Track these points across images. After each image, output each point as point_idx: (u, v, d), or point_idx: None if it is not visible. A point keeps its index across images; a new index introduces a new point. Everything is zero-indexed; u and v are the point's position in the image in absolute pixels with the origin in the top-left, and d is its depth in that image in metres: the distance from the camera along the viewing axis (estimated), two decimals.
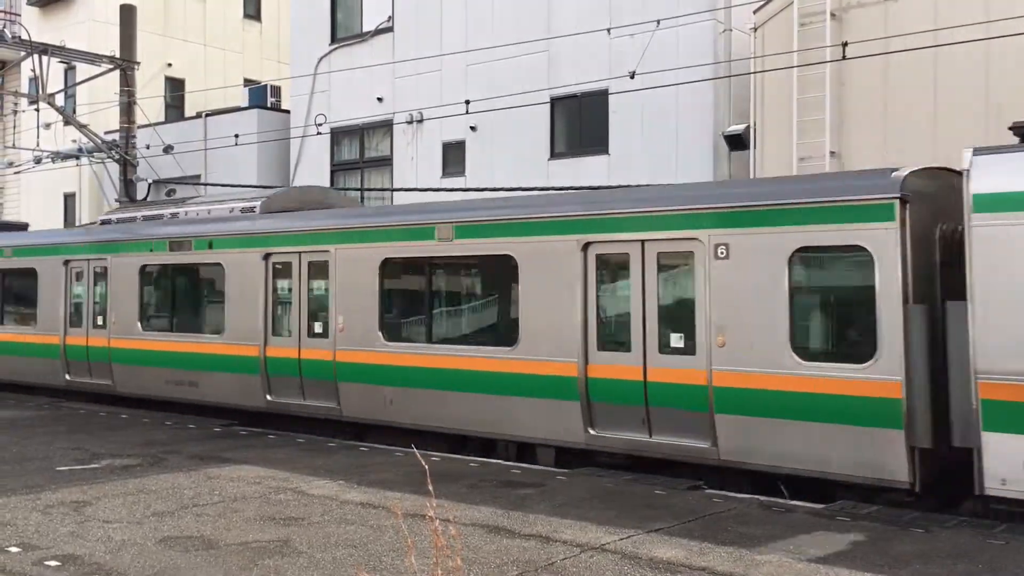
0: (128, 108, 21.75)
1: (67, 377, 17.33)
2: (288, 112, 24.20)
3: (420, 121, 20.89)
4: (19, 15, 30.57)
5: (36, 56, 21.20)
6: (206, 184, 23.23)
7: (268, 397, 13.95)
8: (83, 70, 25.23)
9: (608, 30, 17.06)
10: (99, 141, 22.37)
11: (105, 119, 25.37)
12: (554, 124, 18.90)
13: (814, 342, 9.38)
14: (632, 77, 14.71)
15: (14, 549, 7.29)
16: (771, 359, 9.34)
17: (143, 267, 16.03)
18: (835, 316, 9.41)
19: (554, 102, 18.70)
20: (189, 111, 28.86)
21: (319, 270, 13.42)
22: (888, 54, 13.18)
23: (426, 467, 6.05)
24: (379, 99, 21.66)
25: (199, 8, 30.70)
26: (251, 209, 15.10)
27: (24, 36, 22.16)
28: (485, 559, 7.00)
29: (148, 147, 22.37)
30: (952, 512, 8.81)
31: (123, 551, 7.24)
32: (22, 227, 22.27)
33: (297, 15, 23.96)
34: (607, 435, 10.54)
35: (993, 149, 8.43)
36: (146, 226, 16.51)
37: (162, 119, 26.98)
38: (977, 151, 8.36)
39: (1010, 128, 8.78)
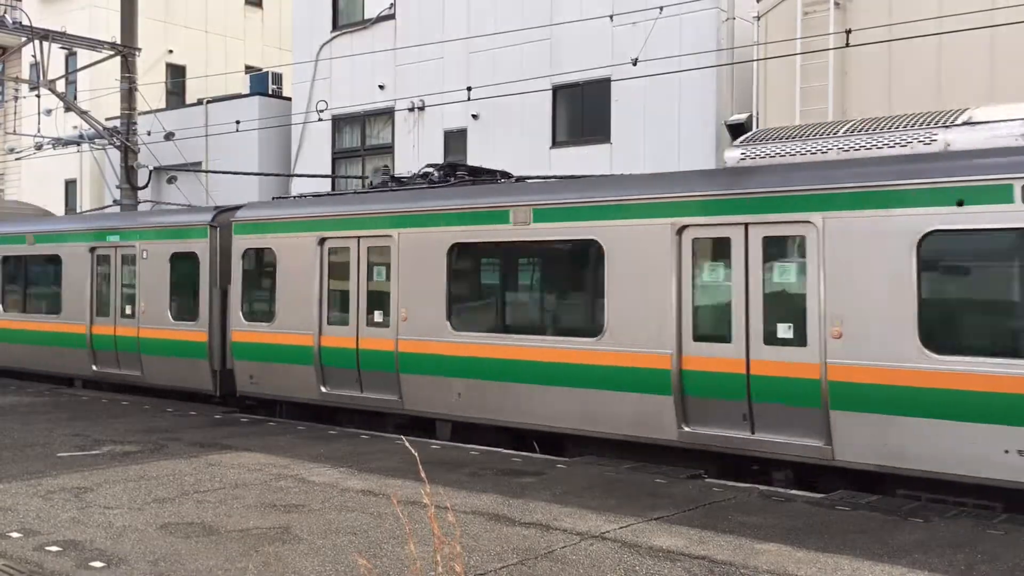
0: (129, 95, 21.69)
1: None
2: (289, 99, 24.15)
3: (422, 109, 20.84)
4: (20, 0, 30.46)
5: (37, 42, 21.14)
6: (207, 172, 23.21)
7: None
8: (84, 56, 25.16)
9: (611, 16, 17.01)
10: (100, 127, 22.32)
11: (106, 105, 25.33)
12: (556, 112, 18.86)
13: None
14: (635, 64, 14.66)
15: (15, 534, 7.30)
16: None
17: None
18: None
19: (556, 90, 18.65)
20: (190, 98, 28.81)
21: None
22: (891, 41, 13.13)
23: (416, 455, 6.01)
24: (381, 86, 21.62)
25: None
26: None
27: (25, 22, 22.06)
28: (485, 547, 7.01)
29: (149, 134, 22.32)
30: None
31: (124, 537, 7.25)
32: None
33: (299, 2, 23.88)
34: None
35: None
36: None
37: (163, 106, 26.93)
38: None
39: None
